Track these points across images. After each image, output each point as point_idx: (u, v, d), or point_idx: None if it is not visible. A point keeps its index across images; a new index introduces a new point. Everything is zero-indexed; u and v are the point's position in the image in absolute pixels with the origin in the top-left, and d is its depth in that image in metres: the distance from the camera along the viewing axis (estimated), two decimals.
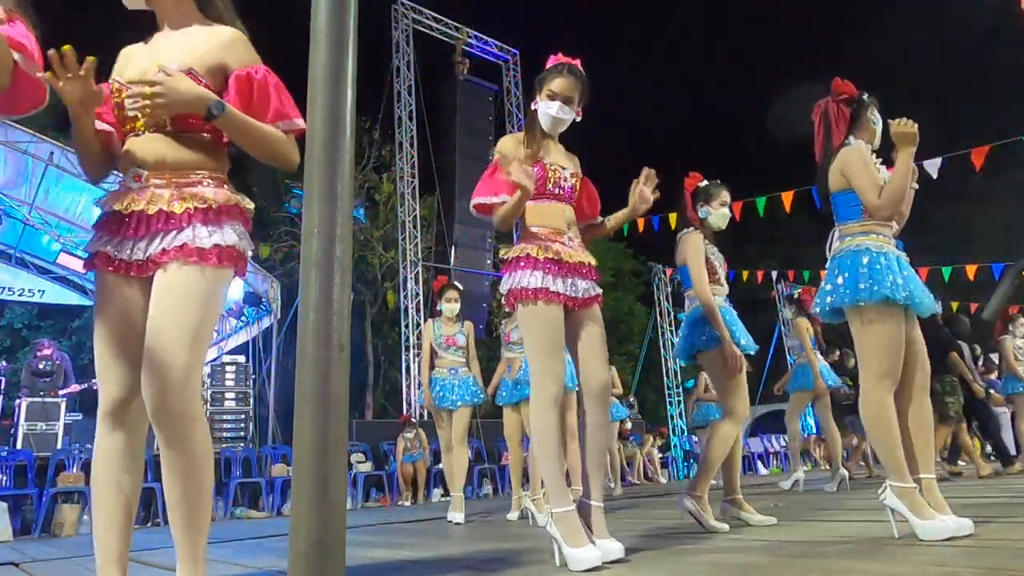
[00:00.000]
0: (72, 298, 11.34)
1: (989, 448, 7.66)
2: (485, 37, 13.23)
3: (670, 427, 13.89)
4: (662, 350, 14.69)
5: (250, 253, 1.67)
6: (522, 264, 2.23)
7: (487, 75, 13.31)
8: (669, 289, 14.81)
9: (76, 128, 1.56)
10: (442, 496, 8.13)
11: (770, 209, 9.91)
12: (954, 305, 10.49)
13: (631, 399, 11.69)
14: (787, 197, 9.64)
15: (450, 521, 4.44)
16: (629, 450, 9.78)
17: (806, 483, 5.27)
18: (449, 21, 12.57)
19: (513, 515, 4.50)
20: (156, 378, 1.45)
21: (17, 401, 7.41)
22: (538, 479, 4.03)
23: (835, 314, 2.38)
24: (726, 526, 2.85)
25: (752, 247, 21.12)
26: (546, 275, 2.20)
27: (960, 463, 5.94)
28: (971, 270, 11.01)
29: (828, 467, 6.37)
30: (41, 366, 7.73)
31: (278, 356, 10.02)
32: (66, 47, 1.43)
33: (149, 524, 6.50)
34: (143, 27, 1.72)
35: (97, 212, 1.66)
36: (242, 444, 8.30)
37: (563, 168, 2.36)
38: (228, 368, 8.76)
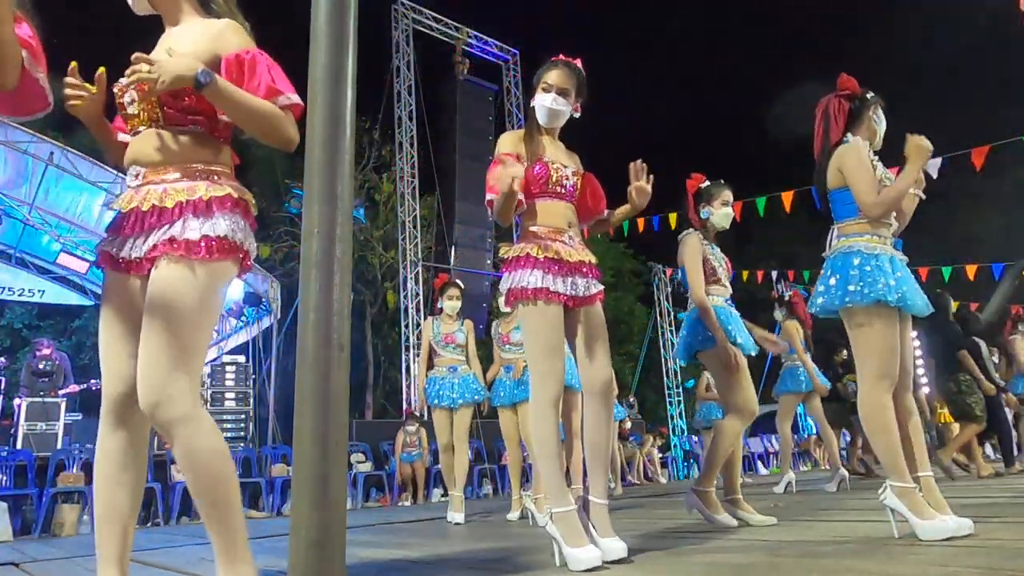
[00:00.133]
0: (72, 298, 11.33)
1: (988, 449, 7.66)
2: (485, 37, 13.23)
3: (670, 427, 13.89)
4: (662, 350, 14.68)
5: (252, 246, 1.63)
6: (522, 263, 2.23)
7: (487, 75, 13.32)
8: (669, 289, 14.81)
9: (94, 133, 1.67)
10: (442, 496, 8.13)
11: (770, 209, 9.92)
12: (954, 305, 10.47)
13: (631, 399, 11.69)
14: (787, 197, 9.64)
15: (450, 521, 4.44)
16: (629, 450, 9.78)
17: (807, 483, 5.28)
18: (449, 21, 12.57)
19: (513, 515, 4.50)
20: (143, 386, 1.45)
21: (17, 401, 7.41)
22: (541, 478, 4.03)
23: (829, 314, 2.39)
24: (734, 521, 2.85)
25: (752, 247, 21.11)
26: (546, 274, 2.20)
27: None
28: (971, 270, 11.00)
29: (828, 467, 6.38)
30: (41, 366, 7.73)
31: (278, 356, 10.01)
32: (73, 63, 1.55)
33: (149, 524, 6.50)
34: (145, 28, 1.73)
35: (96, 213, 1.67)
36: (242, 444, 8.30)
37: (564, 166, 2.36)
38: (228, 368, 8.76)
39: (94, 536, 1.57)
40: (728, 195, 3.18)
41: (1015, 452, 6.12)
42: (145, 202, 1.54)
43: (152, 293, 1.50)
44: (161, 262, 1.50)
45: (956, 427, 8.45)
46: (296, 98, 1.57)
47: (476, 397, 4.63)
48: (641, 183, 2.41)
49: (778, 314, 5.66)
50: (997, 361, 6.63)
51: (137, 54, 1.49)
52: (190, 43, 1.62)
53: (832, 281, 2.30)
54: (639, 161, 2.41)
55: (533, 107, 2.38)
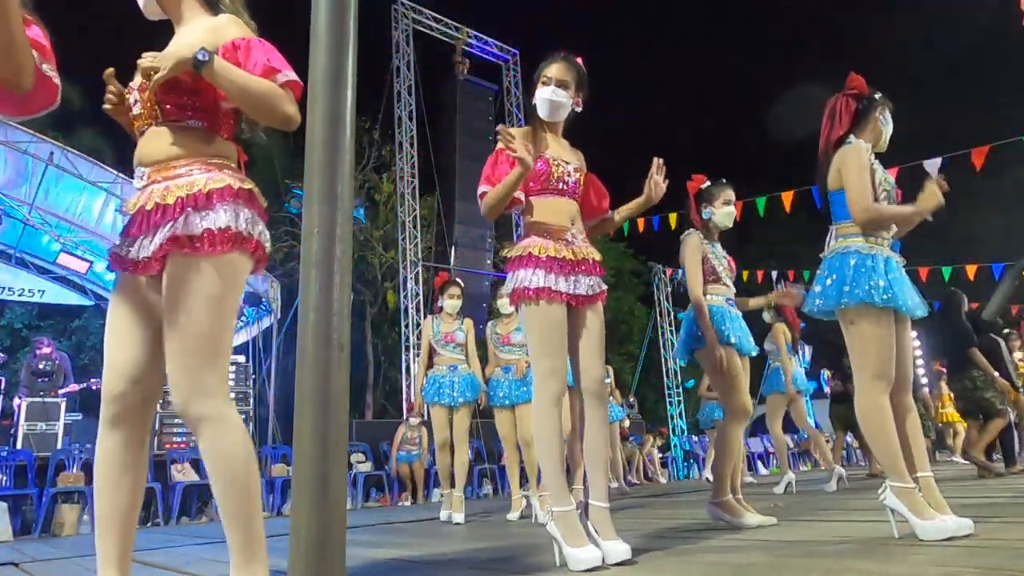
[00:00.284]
0: (72, 298, 11.33)
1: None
2: (485, 37, 13.22)
3: (670, 427, 13.89)
4: (662, 350, 14.69)
5: (263, 234, 1.62)
6: (524, 263, 2.23)
7: (487, 75, 13.32)
8: (669, 289, 14.82)
9: (132, 135, 1.72)
10: (441, 496, 8.12)
11: (770, 209, 9.91)
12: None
13: (631, 399, 11.69)
14: (787, 197, 9.64)
15: (448, 521, 4.44)
16: (629, 450, 9.77)
17: (807, 483, 5.28)
18: (449, 21, 12.57)
19: (513, 515, 4.49)
20: (173, 385, 1.49)
21: (17, 401, 7.41)
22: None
23: (828, 315, 2.39)
24: (760, 520, 2.86)
25: (752, 247, 21.10)
26: (548, 274, 2.20)
27: (954, 458, 5.91)
28: (971, 270, 11.00)
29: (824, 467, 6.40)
30: (41, 366, 7.73)
31: (278, 356, 10.02)
32: (109, 69, 1.62)
33: (149, 524, 6.50)
34: (146, 29, 1.74)
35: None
36: None
37: (567, 163, 2.36)
38: (228, 368, 8.73)
39: (94, 536, 1.57)
40: (730, 194, 3.19)
41: (1016, 452, 6.12)
42: (149, 201, 1.55)
43: (167, 296, 1.51)
44: (171, 263, 1.52)
45: (959, 426, 8.46)
46: (293, 75, 1.57)
47: (477, 394, 4.63)
48: (659, 178, 2.41)
49: (767, 315, 5.69)
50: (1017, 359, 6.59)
51: (144, 54, 1.52)
52: (192, 39, 1.63)
53: (829, 282, 2.30)
54: (661, 160, 2.42)
55: (535, 104, 2.38)
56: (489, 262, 12.46)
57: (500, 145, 2.27)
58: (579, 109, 2.41)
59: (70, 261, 10.01)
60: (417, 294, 11.21)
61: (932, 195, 2.32)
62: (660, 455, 11.57)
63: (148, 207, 1.55)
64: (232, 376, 8.66)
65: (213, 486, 1.50)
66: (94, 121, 13.50)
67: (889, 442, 2.17)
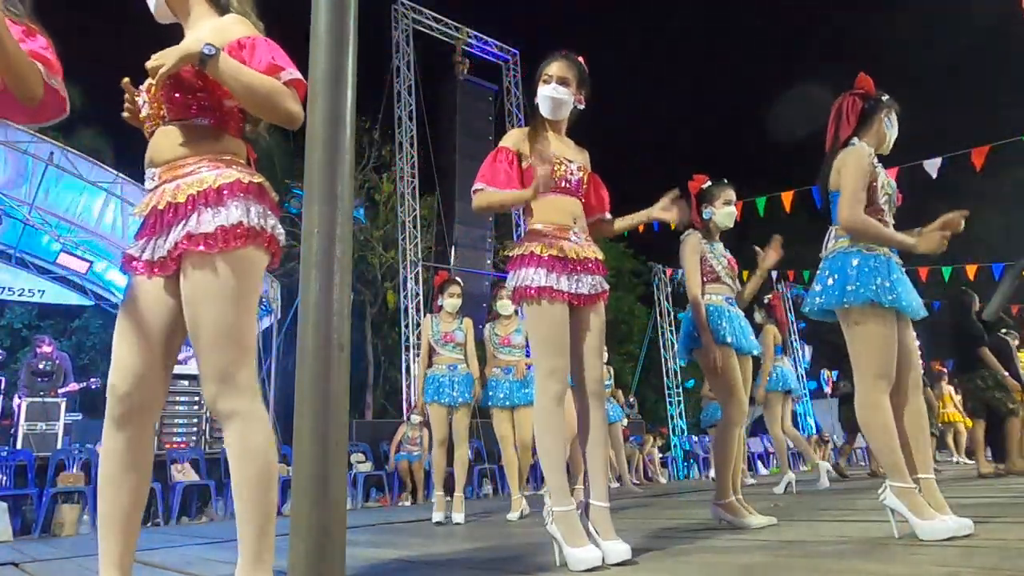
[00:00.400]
0: (72, 298, 11.32)
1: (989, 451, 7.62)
2: (485, 37, 13.22)
3: (670, 427, 13.89)
4: (662, 350, 14.68)
5: (277, 229, 1.63)
6: (526, 262, 2.23)
7: (487, 75, 13.30)
8: (669, 289, 14.81)
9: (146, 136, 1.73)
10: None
11: (770, 209, 9.91)
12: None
13: (631, 399, 11.69)
14: (787, 197, 9.64)
15: (444, 522, 4.44)
16: (629, 450, 9.77)
17: (807, 483, 5.28)
18: (449, 21, 12.56)
19: (513, 515, 4.49)
20: (204, 381, 1.52)
21: (17, 401, 7.40)
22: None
23: (826, 315, 2.38)
24: (764, 520, 2.86)
25: (752, 247, 21.10)
26: (550, 273, 2.20)
27: (955, 458, 5.89)
28: (971, 270, 11.00)
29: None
30: (41, 365, 7.72)
31: (278, 356, 10.01)
32: (126, 79, 1.64)
33: (149, 524, 6.50)
34: (148, 30, 1.75)
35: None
36: None
37: (570, 162, 2.36)
38: None
39: (95, 536, 1.56)
40: (730, 194, 3.20)
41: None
42: (161, 201, 1.56)
43: (187, 295, 1.53)
44: (186, 261, 1.52)
45: (960, 426, 8.45)
46: (297, 73, 1.58)
47: (471, 396, 4.62)
48: (672, 207, 2.40)
49: (758, 316, 5.70)
50: None
51: (153, 56, 1.53)
52: (199, 38, 1.64)
53: (830, 281, 2.30)
54: (676, 193, 2.42)
55: (537, 104, 2.39)
56: (489, 262, 12.45)
57: (502, 144, 2.28)
58: (581, 106, 2.42)
59: (70, 261, 10.00)
60: (417, 294, 11.21)
61: (935, 240, 2.25)
62: (660, 455, 11.57)
63: (160, 207, 1.56)
64: None
65: (234, 482, 1.50)
66: (94, 121, 13.53)
67: (889, 442, 2.17)
